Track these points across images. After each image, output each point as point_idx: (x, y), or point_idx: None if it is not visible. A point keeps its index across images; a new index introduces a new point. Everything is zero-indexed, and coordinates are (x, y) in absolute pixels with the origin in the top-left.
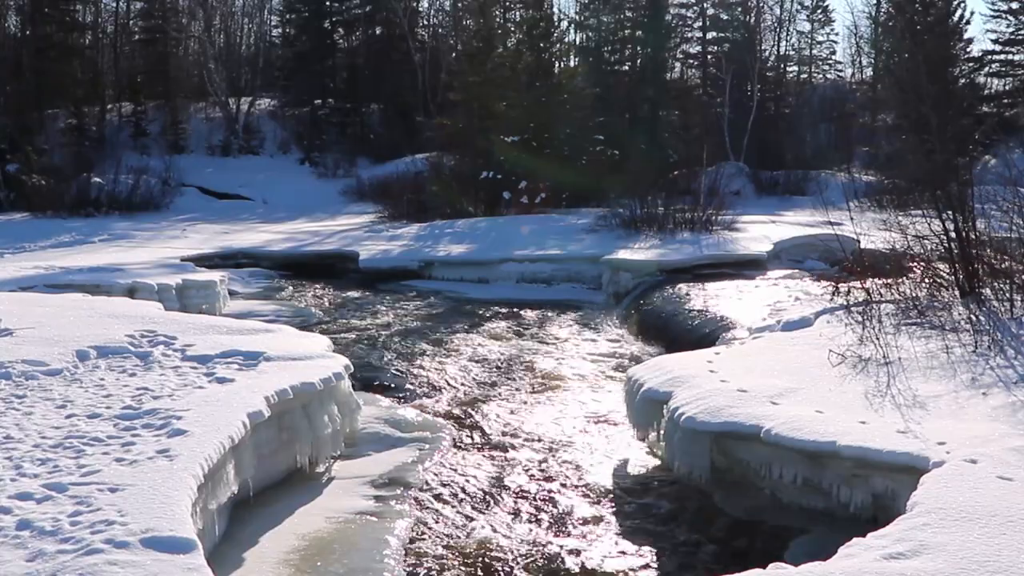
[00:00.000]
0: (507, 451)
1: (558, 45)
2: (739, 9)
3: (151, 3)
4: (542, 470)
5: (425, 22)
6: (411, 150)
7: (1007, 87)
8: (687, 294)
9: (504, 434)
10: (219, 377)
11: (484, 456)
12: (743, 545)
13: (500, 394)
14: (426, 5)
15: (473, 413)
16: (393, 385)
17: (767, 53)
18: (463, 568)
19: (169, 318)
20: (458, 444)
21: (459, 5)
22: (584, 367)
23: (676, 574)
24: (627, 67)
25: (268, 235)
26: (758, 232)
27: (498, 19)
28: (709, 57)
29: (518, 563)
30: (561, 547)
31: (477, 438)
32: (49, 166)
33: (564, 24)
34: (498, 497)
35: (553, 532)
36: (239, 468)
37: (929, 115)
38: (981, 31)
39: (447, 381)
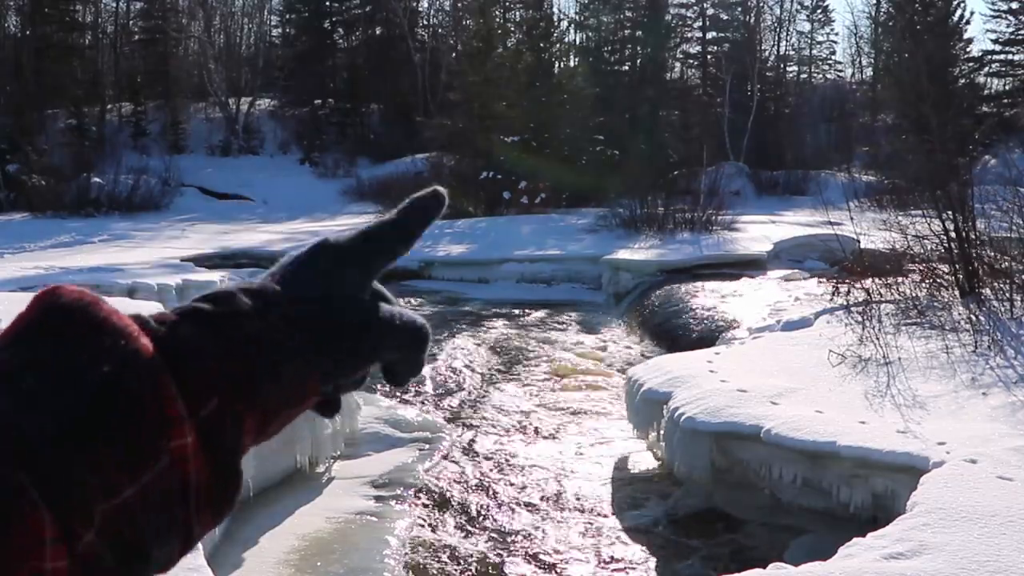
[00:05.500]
0: (507, 451)
1: (558, 45)
2: (739, 9)
3: (151, 3)
4: (541, 470)
5: (425, 22)
6: (411, 150)
7: (1007, 87)
8: (687, 294)
9: (504, 434)
10: None
11: (484, 456)
12: (743, 545)
13: (500, 394)
14: (426, 5)
15: (473, 413)
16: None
17: (767, 53)
18: (463, 568)
19: None
20: (458, 444)
21: (459, 5)
22: (584, 367)
23: (676, 574)
24: (627, 67)
25: (268, 235)
26: (758, 232)
27: (498, 19)
28: (709, 57)
29: (517, 563)
30: (560, 547)
31: (477, 438)
32: (49, 166)
33: (564, 24)
34: (497, 497)
35: (552, 532)
36: None
37: (929, 115)
38: (981, 31)
39: (447, 381)
